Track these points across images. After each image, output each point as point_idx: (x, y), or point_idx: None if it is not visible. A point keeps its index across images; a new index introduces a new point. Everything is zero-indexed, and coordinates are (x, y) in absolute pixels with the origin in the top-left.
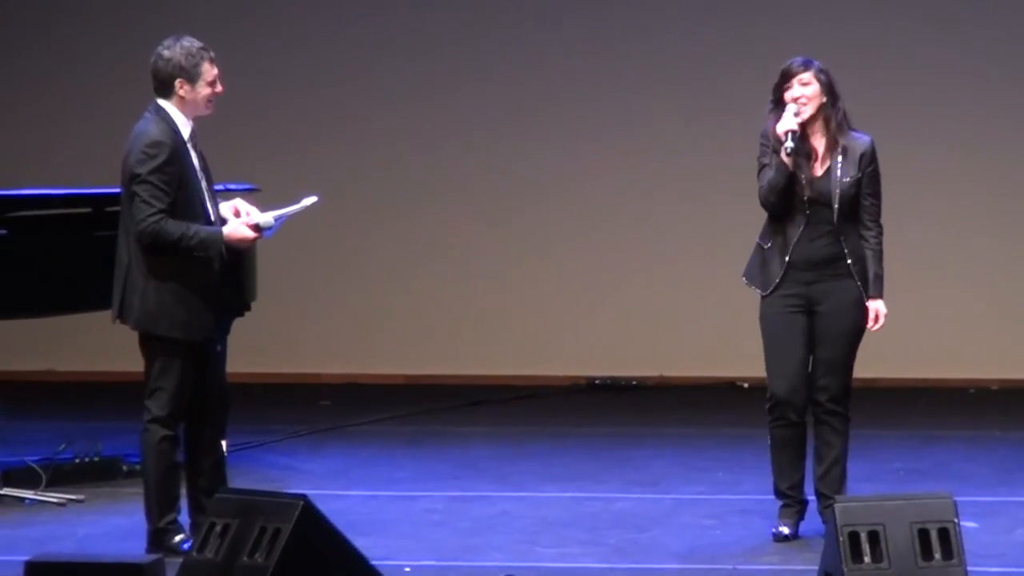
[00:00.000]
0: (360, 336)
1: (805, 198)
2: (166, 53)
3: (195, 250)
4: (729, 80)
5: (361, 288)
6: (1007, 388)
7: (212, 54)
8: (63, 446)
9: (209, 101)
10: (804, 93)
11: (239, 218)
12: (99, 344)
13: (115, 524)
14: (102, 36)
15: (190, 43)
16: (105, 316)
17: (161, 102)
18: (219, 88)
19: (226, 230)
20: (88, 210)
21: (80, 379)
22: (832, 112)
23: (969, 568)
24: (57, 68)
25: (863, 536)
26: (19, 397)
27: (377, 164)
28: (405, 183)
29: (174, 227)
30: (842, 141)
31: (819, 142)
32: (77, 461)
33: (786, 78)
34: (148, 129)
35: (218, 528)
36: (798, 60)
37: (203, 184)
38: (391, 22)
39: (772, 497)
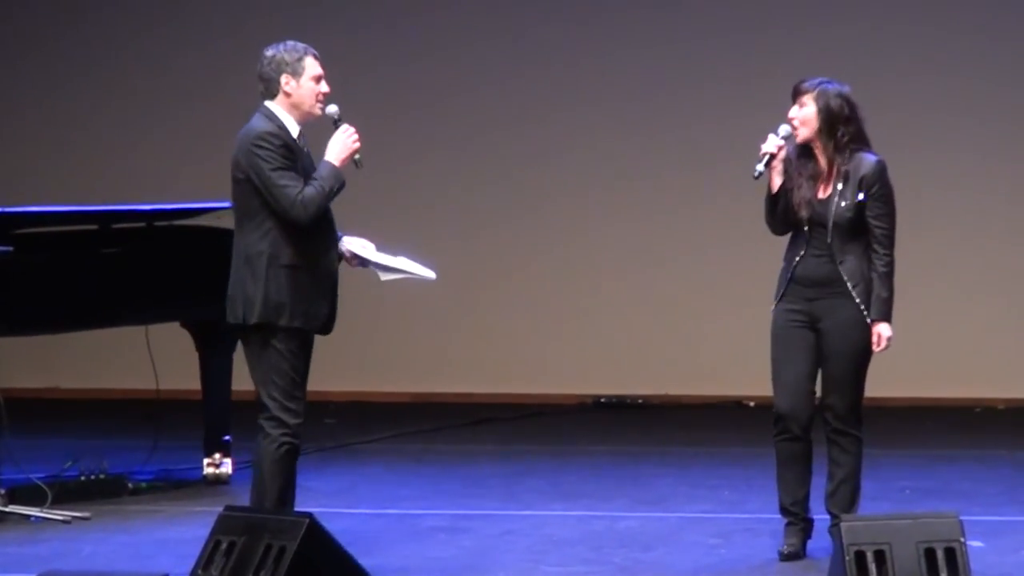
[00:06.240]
0: (366, 354)
1: (804, 219)
2: (269, 52)
3: (337, 191)
4: (746, 93)
5: (367, 306)
6: (1013, 407)
7: (316, 52)
8: (69, 463)
9: (317, 100)
10: (798, 116)
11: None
12: (104, 361)
13: (121, 541)
14: (107, 47)
15: (293, 43)
16: (109, 333)
17: (268, 103)
18: (325, 88)
19: (331, 154)
20: (94, 227)
21: (85, 396)
22: (831, 137)
23: None
24: (62, 81)
25: (869, 555)
26: (24, 414)
27: (380, 177)
28: (408, 199)
29: (312, 190)
30: (844, 165)
31: (825, 165)
32: (83, 478)
33: (793, 96)
34: (255, 126)
35: (223, 546)
36: (807, 80)
37: None
38: (393, 23)
39: (778, 516)
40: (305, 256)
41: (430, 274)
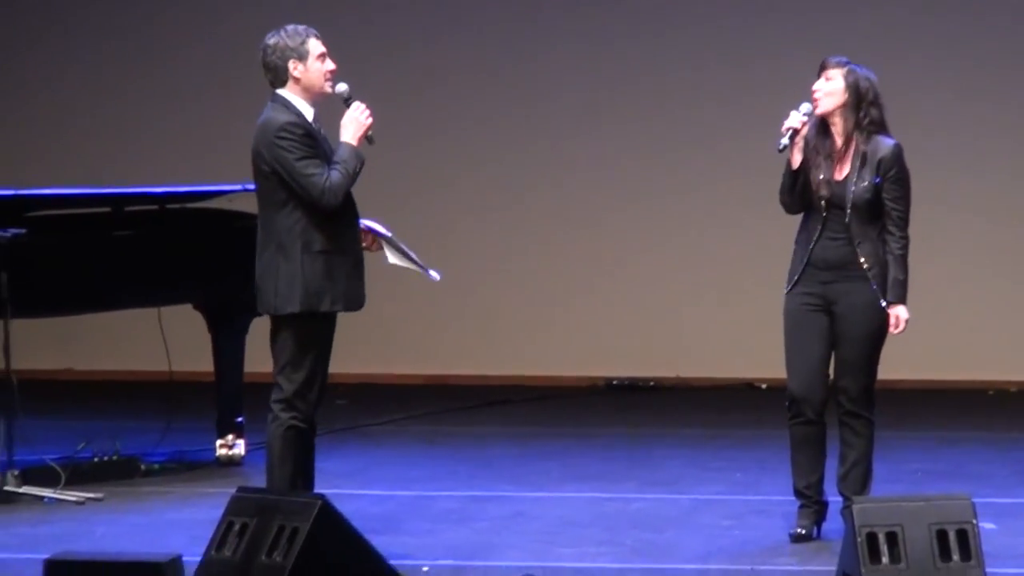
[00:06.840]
0: (377, 336)
1: (822, 199)
2: (271, 40)
3: (359, 170)
4: (756, 78)
5: (379, 288)
6: None
7: (316, 32)
8: (82, 445)
9: (326, 79)
10: (823, 88)
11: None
12: (117, 343)
13: (133, 522)
14: (119, 30)
15: (292, 27)
16: (122, 315)
17: (280, 92)
18: (331, 65)
19: (346, 135)
20: (107, 210)
21: (98, 378)
22: (853, 115)
23: (987, 569)
24: (68, 63)
25: (881, 537)
26: (38, 395)
27: (390, 159)
28: (418, 182)
29: (337, 175)
30: (863, 146)
31: (842, 144)
32: (96, 460)
33: (819, 71)
34: (274, 117)
35: (236, 527)
36: (836, 56)
37: None
38: (386, 14)
39: (790, 498)
40: (336, 240)
41: (435, 274)
